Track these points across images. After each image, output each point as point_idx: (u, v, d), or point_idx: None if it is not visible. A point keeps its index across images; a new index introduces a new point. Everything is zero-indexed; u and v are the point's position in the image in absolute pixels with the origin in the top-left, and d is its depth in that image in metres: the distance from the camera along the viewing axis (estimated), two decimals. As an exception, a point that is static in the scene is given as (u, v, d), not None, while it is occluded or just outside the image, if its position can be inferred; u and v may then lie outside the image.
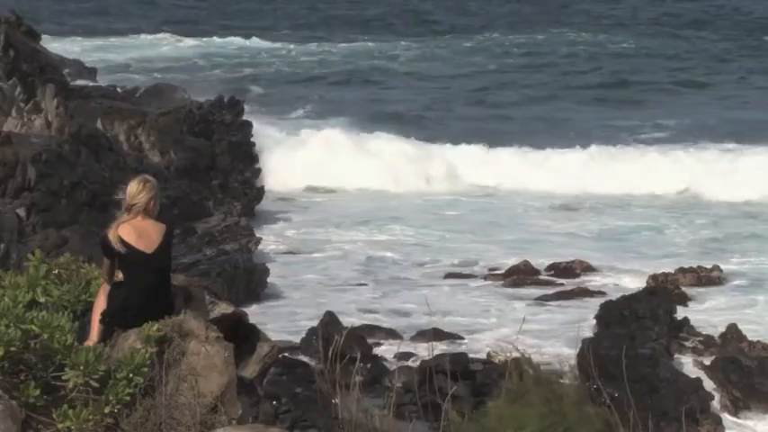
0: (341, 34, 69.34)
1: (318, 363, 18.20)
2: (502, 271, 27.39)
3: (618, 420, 6.43)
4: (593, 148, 38.57)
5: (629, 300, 22.01)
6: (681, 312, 22.52)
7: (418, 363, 20.53)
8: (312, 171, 36.16)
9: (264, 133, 36.89)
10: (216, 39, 66.46)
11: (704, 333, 22.07)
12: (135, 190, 8.53)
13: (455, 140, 40.03)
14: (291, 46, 64.87)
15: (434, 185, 36.43)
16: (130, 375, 7.71)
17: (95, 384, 7.59)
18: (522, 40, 66.83)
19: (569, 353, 21.34)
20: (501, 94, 51.48)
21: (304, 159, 36.41)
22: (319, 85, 53.24)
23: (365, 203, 34.28)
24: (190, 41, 65.53)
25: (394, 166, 37.01)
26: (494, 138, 40.55)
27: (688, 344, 21.45)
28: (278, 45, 65.05)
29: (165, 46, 64.74)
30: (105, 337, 8.38)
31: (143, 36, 67.05)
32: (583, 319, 23.69)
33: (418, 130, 41.86)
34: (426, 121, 44.99)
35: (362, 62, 60.05)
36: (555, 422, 5.14)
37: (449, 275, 27.54)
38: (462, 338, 22.45)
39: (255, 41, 65.69)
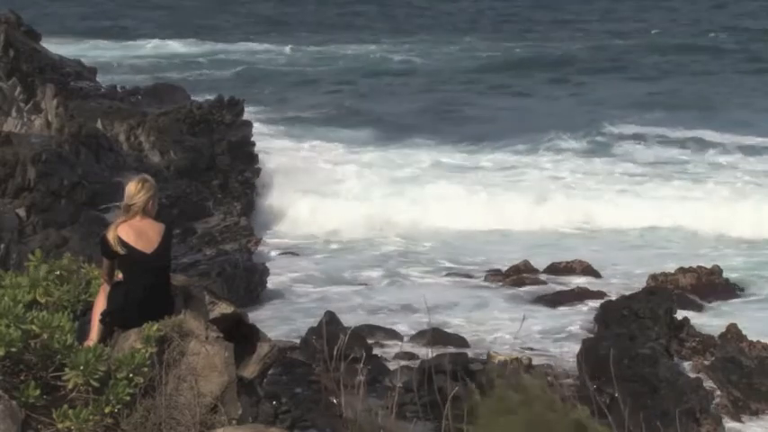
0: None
1: (319, 362, 18.22)
2: (502, 271, 27.39)
3: (611, 421, 6.43)
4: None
5: (629, 300, 22.01)
6: (680, 312, 22.51)
7: (418, 363, 20.54)
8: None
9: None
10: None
11: (704, 333, 22.06)
12: (133, 190, 8.51)
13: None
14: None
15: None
16: (130, 375, 7.70)
17: (95, 384, 7.59)
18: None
19: (569, 353, 21.39)
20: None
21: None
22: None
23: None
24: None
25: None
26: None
27: (688, 344, 21.44)
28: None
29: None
30: (105, 337, 8.38)
31: (147, 41, 67.20)
32: (583, 319, 23.71)
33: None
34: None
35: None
36: (536, 425, 5.14)
37: (449, 275, 27.55)
38: (462, 338, 22.43)
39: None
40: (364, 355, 20.23)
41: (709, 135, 41.13)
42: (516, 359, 19.76)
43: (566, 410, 5.33)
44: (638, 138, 41.34)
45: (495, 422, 5.30)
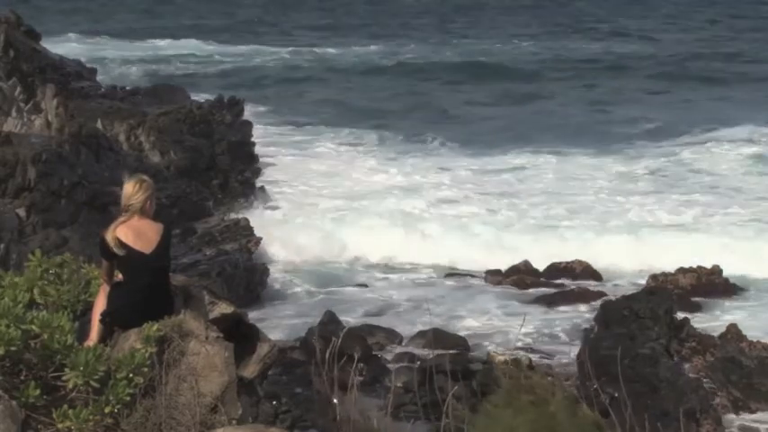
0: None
1: (315, 363, 18.20)
2: (502, 271, 27.34)
3: (615, 420, 6.42)
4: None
5: (629, 300, 21.97)
6: (680, 312, 22.47)
7: (418, 363, 20.52)
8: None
9: None
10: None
11: (704, 333, 22.04)
12: (131, 190, 8.49)
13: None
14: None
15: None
16: (130, 375, 7.69)
17: (95, 385, 7.59)
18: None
19: (569, 353, 21.38)
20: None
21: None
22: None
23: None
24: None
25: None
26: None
27: (688, 344, 21.42)
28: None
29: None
30: (105, 337, 8.37)
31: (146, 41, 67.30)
32: (583, 319, 23.70)
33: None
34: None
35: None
36: (544, 426, 5.14)
37: (449, 275, 27.52)
38: (462, 338, 22.41)
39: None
40: (356, 356, 20.24)
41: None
42: (516, 359, 19.74)
43: (578, 410, 5.33)
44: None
45: (502, 417, 5.30)
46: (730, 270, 26.32)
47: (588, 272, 27.22)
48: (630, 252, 28.37)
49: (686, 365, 20.74)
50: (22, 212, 23.82)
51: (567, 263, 27.54)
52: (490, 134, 42.16)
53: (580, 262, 27.53)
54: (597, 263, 27.61)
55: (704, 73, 56.80)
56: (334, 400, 7.76)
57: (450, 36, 72.19)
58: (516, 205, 32.59)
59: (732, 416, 19.51)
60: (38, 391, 7.55)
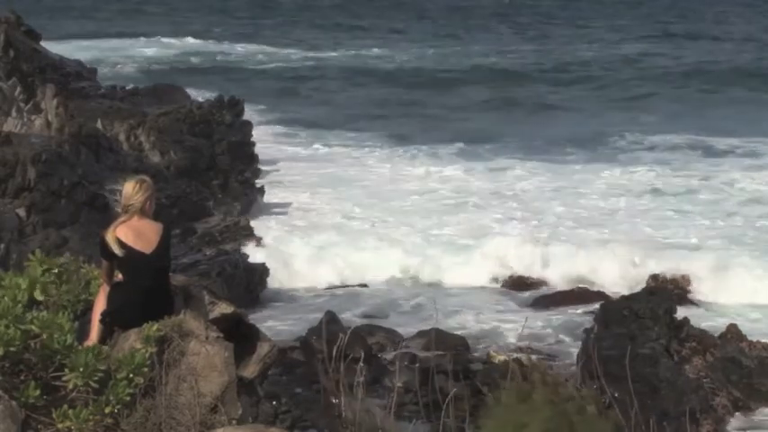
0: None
1: (319, 363, 18.21)
2: (502, 273, 27.30)
3: (623, 422, 6.41)
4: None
5: (629, 300, 21.95)
6: (681, 312, 22.46)
7: (418, 363, 20.51)
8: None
9: None
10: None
11: (704, 333, 22.01)
12: (131, 191, 8.51)
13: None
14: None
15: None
16: (130, 375, 7.70)
17: (95, 385, 7.59)
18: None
19: (570, 353, 21.39)
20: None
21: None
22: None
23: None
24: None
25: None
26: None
27: (688, 344, 21.40)
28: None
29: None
30: (105, 337, 8.38)
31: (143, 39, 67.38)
32: (583, 319, 23.68)
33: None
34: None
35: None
36: (559, 424, 5.12)
37: (449, 275, 27.49)
38: (462, 338, 22.40)
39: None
40: (362, 355, 20.25)
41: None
42: (517, 360, 19.74)
43: (598, 410, 5.31)
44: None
45: (513, 414, 5.28)
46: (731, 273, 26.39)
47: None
48: (631, 260, 28.21)
49: (686, 365, 20.72)
50: (22, 212, 23.83)
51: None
52: (492, 137, 42.10)
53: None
54: (597, 269, 27.56)
55: (711, 77, 56.75)
56: (342, 398, 7.76)
57: (450, 38, 72.16)
58: (517, 210, 32.54)
59: (732, 416, 19.51)
60: (38, 392, 7.55)
